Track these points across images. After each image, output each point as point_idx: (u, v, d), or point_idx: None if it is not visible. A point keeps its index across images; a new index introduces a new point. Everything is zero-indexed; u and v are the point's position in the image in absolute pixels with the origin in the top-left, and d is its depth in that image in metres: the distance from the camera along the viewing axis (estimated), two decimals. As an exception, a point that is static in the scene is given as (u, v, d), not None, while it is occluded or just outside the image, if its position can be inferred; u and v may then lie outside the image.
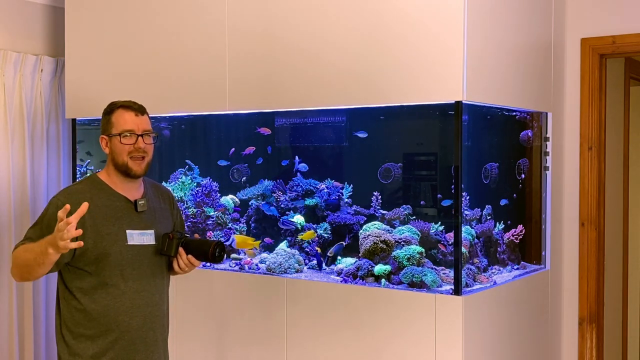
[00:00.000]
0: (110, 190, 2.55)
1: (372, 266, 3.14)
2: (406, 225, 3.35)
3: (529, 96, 3.33)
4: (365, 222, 3.43)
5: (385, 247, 3.19)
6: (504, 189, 3.47)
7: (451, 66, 2.79)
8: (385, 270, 3.10)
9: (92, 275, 2.49)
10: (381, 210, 3.47)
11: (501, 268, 3.37)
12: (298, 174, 3.67)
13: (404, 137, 3.53)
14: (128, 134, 2.51)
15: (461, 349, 2.81)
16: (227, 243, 3.56)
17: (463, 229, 3.05)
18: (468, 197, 3.25)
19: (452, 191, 2.91)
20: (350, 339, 3.07)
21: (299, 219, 3.60)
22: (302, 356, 3.20)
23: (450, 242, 3.17)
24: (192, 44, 3.52)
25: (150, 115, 2.64)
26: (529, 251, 3.54)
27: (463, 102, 2.80)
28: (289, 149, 3.83)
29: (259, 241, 3.65)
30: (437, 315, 2.86)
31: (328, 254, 3.41)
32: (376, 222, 3.36)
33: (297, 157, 3.68)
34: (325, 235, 3.51)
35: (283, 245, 3.58)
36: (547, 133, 3.52)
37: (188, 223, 3.82)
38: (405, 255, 3.12)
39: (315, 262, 3.44)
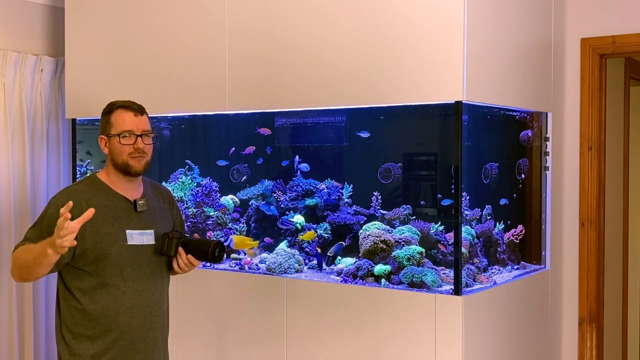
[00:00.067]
0: (109, 191, 2.55)
1: (372, 266, 3.14)
2: (406, 225, 3.35)
3: (529, 96, 3.33)
4: (365, 222, 3.43)
5: (385, 247, 3.19)
6: (504, 189, 3.47)
7: (451, 66, 2.79)
8: (385, 270, 3.10)
9: (92, 276, 2.49)
10: (381, 210, 3.47)
11: (501, 268, 3.37)
12: (298, 172, 3.67)
13: (404, 137, 3.53)
14: (127, 134, 2.51)
15: (461, 349, 2.81)
16: (226, 244, 3.56)
17: (463, 229, 3.04)
18: (468, 197, 3.25)
19: (452, 191, 2.91)
20: (350, 339, 3.07)
21: (299, 219, 3.60)
22: (302, 356, 3.20)
23: (450, 242, 3.17)
24: (192, 44, 3.52)
25: (150, 115, 2.64)
26: (529, 251, 3.54)
27: (463, 102, 2.80)
28: (289, 149, 3.83)
29: (257, 241, 3.65)
30: (437, 315, 2.86)
31: (328, 253, 3.41)
32: (376, 222, 3.36)
33: (297, 157, 3.68)
34: (325, 235, 3.51)
35: (283, 245, 3.58)
36: (547, 133, 3.52)
37: (188, 223, 3.82)
38: (406, 255, 3.12)
39: (315, 262, 3.44)
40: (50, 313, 4.02)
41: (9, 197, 3.90)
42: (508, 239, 3.45)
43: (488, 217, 3.40)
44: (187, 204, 3.89)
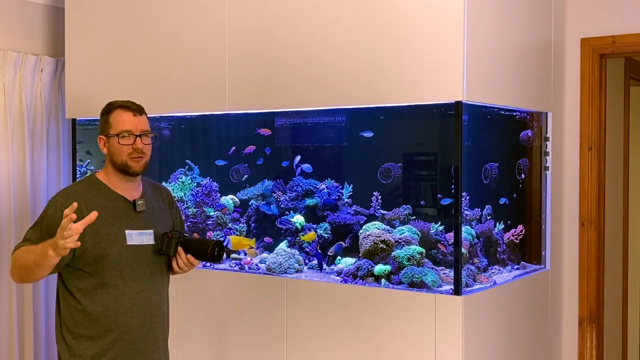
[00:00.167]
0: (108, 191, 2.55)
1: (372, 266, 3.14)
2: (406, 225, 3.35)
3: (529, 96, 3.33)
4: (365, 222, 3.43)
5: (385, 247, 3.19)
6: (504, 189, 3.47)
7: (451, 66, 2.79)
8: (385, 270, 3.10)
9: (92, 276, 2.49)
10: (381, 210, 3.47)
11: (501, 268, 3.37)
12: (298, 171, 3.66)
13: (404, 137, 3.53)
14: (126, 135, 2.51)
15: (461, 349, 2.81)
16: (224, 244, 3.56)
17: (463, 229, 3.04)
18: (468, 197, 3.25)
19: (452, 191, 2.91)
20: (350, 339, 3.07)
21: (299, 219, 3.60)
22: (302, 356, 3.20)
23: (450, 242, 3.17)
24: (192, 44, 3.52)
25: (150, 115, 2.64)
26: (529, 251, 3.54)
27: (463, 102, 2.80)
28: (289, 149, 3.83)
29: (254, 239, 3.65)
30: (437, 315, 2.86)
31: (328, 253, 3.41)
32: (376, 222, 3.36)
33: (297, 157, 3.67)
34: (325, 235, 3.51)
35: (283, 245, 3.58)
36: (547, 133, 3.52)
37: (188, 223, 3.82)
38: (406, 255, 3.12)
39: (315, 261, 3.44)
40: (50, 313, 4.02)
41: (9, 197, 3.90)
42: (508, 239, 3.45)
43: (488, 217, 3.40)
44: (187, 204, 3.89)
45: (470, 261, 3.18)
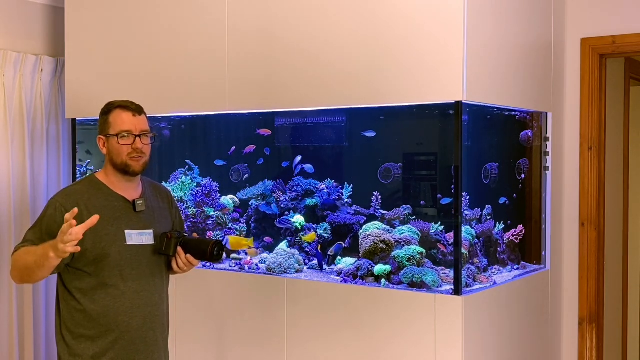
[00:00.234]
0: (108, 191, 2.55)
1: (372, 266, 3.14)
2: (406, 225, 3.35)
3: (529, 96, 3.33)
4: (365, 222, 3.43)
5: (385, 247, 3.19)
6: (504, 189, 3.47)
7: (451, 66, 2.79)
8: (385, 270, 3.10)
9: (92, 276, 2.49)
10: (381, 210, 3.47)
11: (501, 268, 3.37)
12: (297, 170, 3.66)
13: (404, 137, 3.53)
14: (126, 135, 2.51)
15: (461, 349, 2.81)
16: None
17: (463, 229, 3.04)
18: (468, 197, 3.25)
19: (452, 191, 2.91)
20: (350, 339, 3.07)
21: (299, 218, 3.60)
22: (302, 356, 3.20)
23: (450, 242, 3.17)
24: (192, 44, 3.52)
25: (150, 115, 2.64)
26: (529, 251, 3.54)
27: (463, 102, 2.80)
28: (289, 149, 3.83)
29: (252, 239, 3.65)
30: (437, 315, 2.86)
31: (328, 253, 3.41)
32: (376, 222, 3.36)
33: (298, 157, 3.67)
34: (325, 235, 3.51)
35: (283, 245, 3.58)
36: (547, 133, 3.52)
37: (188, 223, 3.82)
38: (406, 255, 3.12)
39: (315, 261, 3.44)
40: (50, 313, 4.02)
41: (9, 197, 3.90)
42: (508, 239, 3.45)
43: (488, 217, 3.40)
44: (187, 204, 3.89)
45: (470, 261, 3.18)
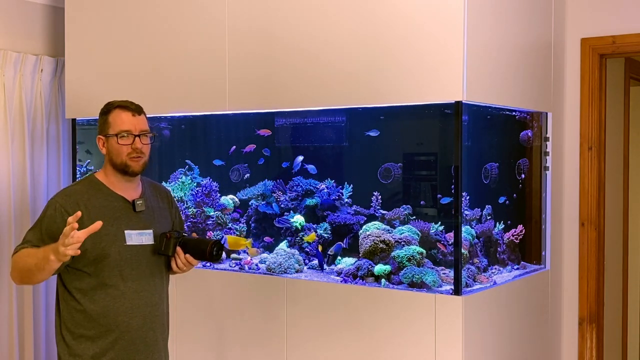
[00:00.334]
0: (107, 191, 2.55)
1: (372, 266, 3.14)
2: (406, 225, 3.35)
3: (529, 96, 3.33)
4: (365, 222, 3.43)
5: (385, 247, 3.19)
6: (504, 189, 3.47)
7: (451, 66, 2.79)
8: (385, 270, 3.10)
9: (91, 276, 2.49)
10: (381, 210, 3.47)
11: (501, 268, 3.37)
12: (295, 169, 3.66)
13: (404, 137, 3.53)
14: (125, 135, 2.50)
15: (461, 349, 2.81)
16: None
17: (463, 229, 3.04)
18: (468, 197, 3.25)
19: (452, 191, 2.91)
20: (350, 339, 3.07)
21: (299, 218, 3.60)
22: (302, 356, 3.20)
23: (450, 242, 3.17)
24: (192, 44, 3.52)
25: (150, 115, 2.64)
26: (529, 251, 3.54)
27: (463, 102, 2.80)
28: (289, 149, 3.83)
29: (250, 240, 3.65)
30: (437, 315, 2.86)
31: (328, 252, 3.41)
32: (376, 222, 3.36)
33: (300, 157, 3.67)
34: (325, 235, 3.51)
35: (283, 245, 3.58)
36: (547, 133, 3.52)
37: (188, 223, 3.82)
38: (406, 255, 3.12)
39: (315, 261, 3.44)
40: (50, 314, 4.02)
41: (9, 197, 3.90)
42: (508, 239, 3.45)
43: (488, 217, 3.40)
44: (187, 204, 3.89)
45: (470, 261, 3.18)
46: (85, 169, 4.10)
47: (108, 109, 2.56)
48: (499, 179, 3.40)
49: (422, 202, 3.45)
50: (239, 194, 3.86)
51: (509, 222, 3.46)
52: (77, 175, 4.04)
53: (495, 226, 3.41)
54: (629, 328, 4.28)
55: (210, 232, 3.80)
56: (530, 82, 3.34)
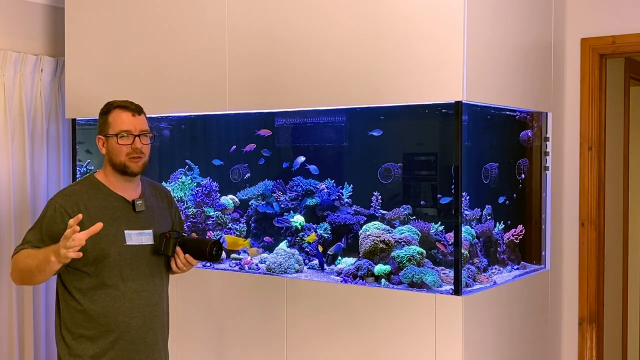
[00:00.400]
0: (107, 191, 2.55)
1: (372, 266, 3.14)
2: (406, 225, 3.35)
3: (529, 96, 3.33)
4: (365, 222, 3.43)
5: (385, 247, 3.19)
6: (504, 189, 3.47)
7: (451, 66, 2.79)
8: (385, 270, 3.10)
9: (91, 276, 2.49)
10: (381, 210, 3.47)
11: (501, 268, 3.37)
12: (295, 167, 3.66)
13: (404, 137, 3.53)
14: (125, 135, 2.50)
15: (461, 349, 2.81)
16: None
17: (463, 229, 3.04)
18: (468, 197, 3.25)
19: (452, 191, 2.91)
20: (350, 339, 3.07)
21: (299, 218, 3.60)
22: (302, 356, 3.20)
23: (450, 242, 3.17)
24: (192, 44, 3.52)
25: (150, 115, 2.64)
26: (529, 251, 3.54)
27: (463, 102, 2.80)
28: (289, 149, 3.83)
29: (249, 240, 3.65)
30: (437, 315, 2.86)
31: (328, 252, 3.41)
32: (376, 222, 3.36)
33: (301, 157, 3.67)
34: (325, 235, 3.51)
35: (283, 245, 3.58)
36: (547, 133, 3.52)
37: (188, 223, 3.82)
38: (406, 255, 3.12)
39: (315, 261, 3.44)
40: (50, 314, 4.02)
41: (9, 197, 3.90)
42: (508, 239, 3.45)
43: (488, 217, 3.40)
44: (187, 204, 3.89)
45: (470, 261, 3.18)
46: (85, 169, 4.10)
47: (108, 109, 2.56)
48: (499, 179, 3.40)
49: (422, 202, 3.45)
50: (239, 194, 3.86)
51: (509, 222, 3.46)
52: (77, 175, 4.04)
53: (495, 226, 3.41)
54: (629, 328, 4.28)
55: (210, 232, 3.80)
56: (530, 82, 3.34)
